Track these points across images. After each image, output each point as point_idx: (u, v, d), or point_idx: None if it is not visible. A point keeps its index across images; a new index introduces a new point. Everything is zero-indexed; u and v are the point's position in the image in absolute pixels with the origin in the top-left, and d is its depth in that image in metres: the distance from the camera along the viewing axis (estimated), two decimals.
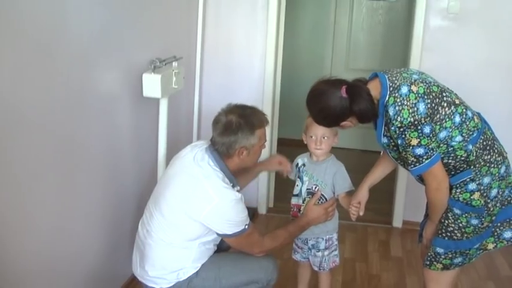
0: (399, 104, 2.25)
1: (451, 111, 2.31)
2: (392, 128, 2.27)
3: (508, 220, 2.47)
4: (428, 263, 2.53)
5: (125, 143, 3.08)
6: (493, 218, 2.44)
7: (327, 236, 2.84)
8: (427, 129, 2.24)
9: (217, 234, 2.50)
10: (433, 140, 2.27)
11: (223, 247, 2.68)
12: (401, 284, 3.55)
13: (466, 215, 2.39)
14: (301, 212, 2.81)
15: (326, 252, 2.84)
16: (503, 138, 2.58)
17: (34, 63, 2.19)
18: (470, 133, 2.35)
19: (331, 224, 2.83)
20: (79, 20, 2.48)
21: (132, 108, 3.10)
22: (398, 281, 3.59)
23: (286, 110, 5.14)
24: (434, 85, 2.33)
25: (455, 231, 2.42)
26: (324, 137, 2.71)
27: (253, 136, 2.51)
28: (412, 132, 2.23)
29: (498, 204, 2.44)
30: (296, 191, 2.85)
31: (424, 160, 2.27)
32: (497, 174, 2.41)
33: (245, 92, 4.28)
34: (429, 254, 2.52)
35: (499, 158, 2.43)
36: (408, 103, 2.24)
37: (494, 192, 2.42)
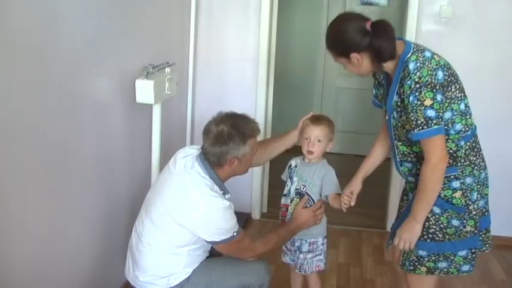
0: (421, 62, 2.28)
1: (460, 96, 2.34)
2: (408, 83, 2.25)
3: (483, 230, 2.52)
4: (412, 267, 2.51)
5: (119, 149, 3.07)
6: (477, 223, 2.45)
7: (311, 240, 2.84)
8: (439, 97, 2.25)
9: (206, 241, 2.49)
10: (442, 110, 2.26)
11: (215, 252, 2.67)
12: None
13: (446, 214, 2.40)
14: (288, 211, 2.83)
15: (309, 255, 2.84)
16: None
17: (26, 70, 2.18)
18: (467, 129, 2.38)
19: (317, 228, 2.83)
20: (71, 26, 2.47)
21: (126, 115, 3.09)
22: (392, 286, 3.59)
23: (279, 115, 5.15)
24: (453, 67, 2.37)
25: (437, 232, 2.42)
26: (317, 140, 2.73)
27: (245, 146, 2.50)
28: (428, 92, 2.24)
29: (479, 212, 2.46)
30: (285, 190, 2.89)
31: (432, 124, 2.24)
32: (477, 178, 2.44)
33: (238, 98, 4.29)
34: (411, 258, 2.50)
35: (482, 163, 2.47)
36: (429, 65, 2.27)
37: (474, 195, 2.44)
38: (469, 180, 2.42)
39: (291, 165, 2.90)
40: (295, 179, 2.84)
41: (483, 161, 2.48)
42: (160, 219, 2.48)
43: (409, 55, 2.31)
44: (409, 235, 2.40)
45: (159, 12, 3.55)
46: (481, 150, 2.48)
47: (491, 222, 2.58)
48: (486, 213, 2.54)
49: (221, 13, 4.26)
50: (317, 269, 2.89)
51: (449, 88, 2.30)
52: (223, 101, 4.21)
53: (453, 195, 2.39)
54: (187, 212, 2.42)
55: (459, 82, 2.36)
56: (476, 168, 2.44)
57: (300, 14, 6.16)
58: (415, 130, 2.27)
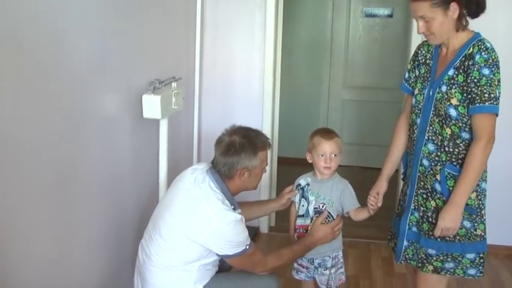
0: (493, 48, 2.37)
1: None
2: (485, 56, 2.32)
3: None
4: (420, 264, 2.53)
5: (126, 165, 3.07)
6: (486, 229, 2.47)
7: (334, 254, 2.83)
8: (500, 84, 2.35)
9: (218, 255, 2.48)
10: (499, 96, 2.35)
11: (224, 267, 2.66)
12: None
13: None
14: (309, 232, 2.79)
15: (333, 270, 2.82)
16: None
17: (33, 86, 2.18)
18: None
19: (336, 241, 2.82)
20: (78, 42, 2.48)
21: (133, 130, 3.09)
22: None
23: (285, 128, 5.16)
24: None
25: (456, 232, 2.42)
26: (333, 154, 2.72)
27: (256, 158, 2.52)
28: (497, 73, 2.34)
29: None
30: (302, 211, 2.82)
31: (495, 103, 2.32)
32: (485, 187, 2.49)
33: (244, 112, 4.30)
34: (420, 255, 2.52)
35: (486, 178, 2.51)
36: (496, 55, 2.37)
37: (485, 202, 2.48)
38: (483, 185, 2.46)
39: (300, 184, 2.86)
40: (311, 198, 2.80)
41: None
42: (170, 234, 2.48)
43: (482, 37, 2.41)
44: (452, 224, 2.39)
45: (165, 27, 3.57)
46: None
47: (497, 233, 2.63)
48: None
49: (226, 28, 4.28)
50: (339, 282, 2.87)
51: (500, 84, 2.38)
52: (229, 116, 4.22)
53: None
54: (200, 226, 2.42)
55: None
56: (486, 177, 2.49)
57: (304, 27, 6.18)
58: (487, 103, 2.31)
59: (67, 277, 2.52)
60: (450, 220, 2.38)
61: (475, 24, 2.49)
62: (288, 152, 5.32)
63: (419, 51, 2.62)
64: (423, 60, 2.59)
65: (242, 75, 4.35)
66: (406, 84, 2.68)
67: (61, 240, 2.46)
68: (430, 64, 2.54)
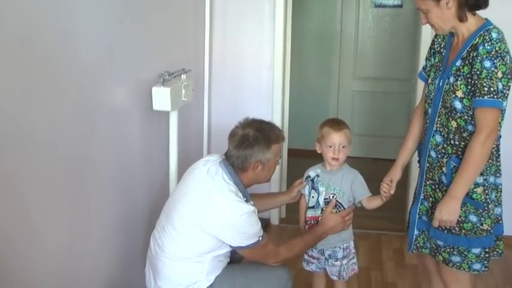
0: (502, 37, 2.31)
1: (507, 94, 2.35)
2: (488, 48, 2.27)
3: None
4: (433, 253, 2.54)
5: (136, 158, 3.07)
6: (494, 223, 2.44)
7: (344, 245, 2.82)
8: (506, 77, 2.28)
9: (231, 246, 2.49)
10: (506, 89, 2.30)
11: (235, 259, 2.66)
12: None
13: (464, 208, 2.39)
14: (319, 222, 2.78)
15: (344, 261, 2.82)
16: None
17: (43, 81, 2.18)
18: (499, 128, 2.39)
19: (346, 232, 2.81)
20: (87, 36, 2.48)
21: (143, 123, 3.10)
22: None
23: (295, 120, 5.15)
24: None
25: (454, 225, 2.41)
26: (342, 146, 2.71)
27: (269, 151, 2.52)
28: (502, 65, 2.27)
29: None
30: (312, 202, 2.82)
31: (496, 97, 2.26)
32: (496, 182, 2.46)
33: (254, 103, 4.30)
34: (432, 245, 2.53)
35: (500, 170, 2.49)
36: (506, 45, 2.30)
37: (493, 195, 2.45)
38: (491, 179, 2.43)
39: (309, 176, 2.85)
40: (321, 189, 2.79)
41: (501, 168, 2.49)
42: (184, 226, 2.48)
43: (491, 26, 2.35)
44: (449, 216, 2.37)
45: (173, 19, 3.56)
46: (499, 157, 2.48)
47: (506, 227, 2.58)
48: (500, 222, 2.53)
49: (236, 19, 4.27)
50: (352, 272, 2.88)
51: (510, 77, 2.32)
52: (239, 107, 4.22)
53: (475, 189, 2.38)
54: (213, 218, 2.42)
55: (511, 80, 2.36)
56: (498, 172, 2.46)
57: (314, 17, 6.15)
58: (486, 96, 2.26)
59: (78, 269, 2.54)
60: (447, 212, 2.36)
61: (489, 13, 2.45)
62: (298, 143, 5.32)
63: (436, 39, 2.59)
64: (438, 48, 2.56)
65: (252, 67, 4.34)
66: (423, 73, 2.65)
67: (73, 233, 2.47)
68: (443, 53, 2.51)
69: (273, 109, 4.33)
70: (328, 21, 6.16)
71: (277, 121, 4.24)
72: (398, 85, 5.94)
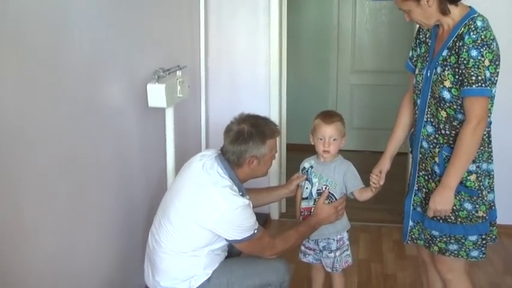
0: (486, 24, 2.30)
1: (496, 80, 2.34)
2: (474, 37, 2.26)
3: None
4: (427, 244, 2.53)
5: (133, 155, 3.08)
6: (488, 209, 2.44)
7: (338, 236, 2.83)
8: (493, 63, 2.28)
9: (227, 240, 2.50)
10: (494, 76, 2.29)
11: (234, 252, 2.67)
12: (418, 283, 3.52)
13: (459, 196, 2.39)
14: (312, 212, 2.79)
15: (338, 253, 2.83)
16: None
17: (38, 78, 2.19)
18: (489, 115, 2.38)
19: (340, 223, 2.82)
20: (81, 32, 2.49)
21: (139, 120, 3.10)
22: (414, 280, 3.56)
23: (294, 115, 5.14)
24: None
25: (450, 214, 2.41)
26: (332, 139, 2.71)
27: (264, 146, 2.53)
28: (489, 53, 2.26)
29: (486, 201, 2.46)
30: (305, 194, 2.84)
31: (483, 85, 2.25)
32: (489, 168, 2.46)
33: (251, 98, 4.31)
34: (426, 236, 2.52)
35: (492, 156, 2.48)
36: (491, 32, 2.30)
37: (486, 182, 2.45)
38: (484, 166, 2.43)
39: (304, 167, 2.86)
40: (314, 180, 2.81)
41: (492, 154, 2.49)
42: (180, 220, 2.49)
43: (476, 15, 2.34)
44: (443, 206, 2.37)
45: (168, 15, 3.56)
46: (490, 143, 2.47)
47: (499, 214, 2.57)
48: (493, 208, 2.53)
49: (230, 14, 4.27)
50: (346, 265, 2.88)
51: (498, 63, 2.32)
52: (236, 102, 4.23)
53: (468, 177, 2.38)
54: (208, 212, 2.43)
55: (499, 67, 2.35)
56: (490, 158, 2.46)
57: (311, 12, 6.15)
58: (474, 86, 2.26)
59: (77, 266, 2.55)
60: (441, 202, 2.36)
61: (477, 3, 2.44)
62: (297, 138, 5.30)
63: (421, 29, 2.58)
64: (424, 38, 2.56)
65: (248, 62, 4.34)
66: (410, 63, 2.65)
67: (71, 230, 2.48)
68: (429, 43, 2.51)
69: (270, 104, 4.33)
70: (325, 15, 6.15)
71: (274, 116, 4.25)
72: (396, 77, 5.91)
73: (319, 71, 6.25)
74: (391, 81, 6.02)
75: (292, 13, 5.02)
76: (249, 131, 2.51)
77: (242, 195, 2.51)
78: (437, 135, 2.44)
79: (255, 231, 2.49)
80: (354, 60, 6.20)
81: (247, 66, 4.34)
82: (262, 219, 4.28)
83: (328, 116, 2.78)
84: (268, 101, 4.33)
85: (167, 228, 2.52)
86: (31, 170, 2.18)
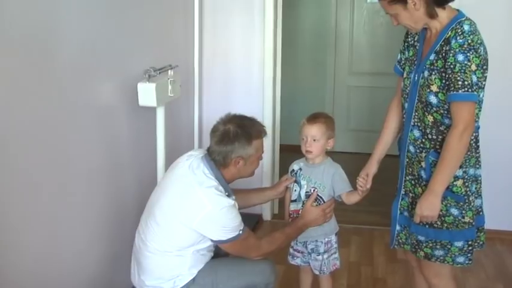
0: (474, 28, 2.29)
1: (484, 85, 2.33)
2: (461, 41, 2.25)
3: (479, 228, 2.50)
4: (414, 249, 2.51)
5: (124, 154, 3.07)
6: (475, 215, 2.42)
7: (326, 239, 2.82)
8: (480, 68, 2.26)
9: (212, 240, 2.49)
10: (480, 83, 2.27)
11: (221, 253, 2.66)
12: (407, 287, 3.49)
13: (445, 202, 2.37)
14: (299, 214, 2.78)
15: (326, 256, 2.82)
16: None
17: (26, 76, 2.19)
18: (477, 120, 2.37)
19: (328, 225, 2.81)
20: (71, 31, 2.48)
21: (130, 119, 3.09)
22: (404, 284, 3.54)
23: (290, 116, 5.12)
24: None
25: (436, 220, 2.39)
26: (313, 139, 2.70)
27: (250, 146, 2.52)
28: (476, 57, 2.24)
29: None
30: (294, 196, 2.83)
31: (470, 90, 2.23)
32: (476, 174, 2.44)
33: (245, 99, 4.30)
34: (412, 241, 2.50)
35: (480, 162, 2.47)
36: (478, 36, 2.28)
37: (473, 187, 2.43)
38: (471, 171, 2.41)
39: (293, 169, 2.86)
40: (303, 182, 2.80)
41: (480, 160, 2.48)
42: (165, 220, 2.49)
43: (463, 18, 2.32)
44: (430, 212, 2.35)
45: (162, 14, 3.55)
46: (478, 148, 2.46)
47: (489, 220, 2.58)
48: (481, 213, 2.51)
49: (225, 14, 4.26)
50: (334, 268, 2.86)
51: (485, 68, 2.30)
52: (230, 103, 4.21)
53: (454, 183, 2.37)
54: (193, 212, 2.42)
55: (487, 71, 2.34)
56: (478, 163, 2.44)
57: (308, 13, 6.13)
58: (460, 90, 2.24)
59: (65, 264, 2.55)
60: (427, 208, 2.35)
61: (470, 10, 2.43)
62: (294, 140, 5.26)
63: (410, 32, 2.56)
64: (412, 42, 2.55)
65: (242, 63, 4.33)
66: (398, 66, 2.64)
67: (59, 229, 2.48)
68: (417, 47, 2.49)
69: (263, 105, 4.31)
70: (323, 16, 6.14)
71: (268, 117, 4.25)
72: (393, 80, 5.79)
73: (316, 72, 6.24)
74: (388, 83, 5.92)
75: (290, 14, 5.02)
76: (234, 131, 2.50)
77: (228, 196, 2.50)
78: (424, 140, 2.42)
79: (240, 231, 2.48)
80: (351, 62, 6.19)
81: (242, 66, 4.33)
82: (255, 220, 4.27)
83: (313, 116, 2.78)
84: (262, 101, 4.32)
85: (153, 228, 2.51)
86: (18, 170, 2.17)
